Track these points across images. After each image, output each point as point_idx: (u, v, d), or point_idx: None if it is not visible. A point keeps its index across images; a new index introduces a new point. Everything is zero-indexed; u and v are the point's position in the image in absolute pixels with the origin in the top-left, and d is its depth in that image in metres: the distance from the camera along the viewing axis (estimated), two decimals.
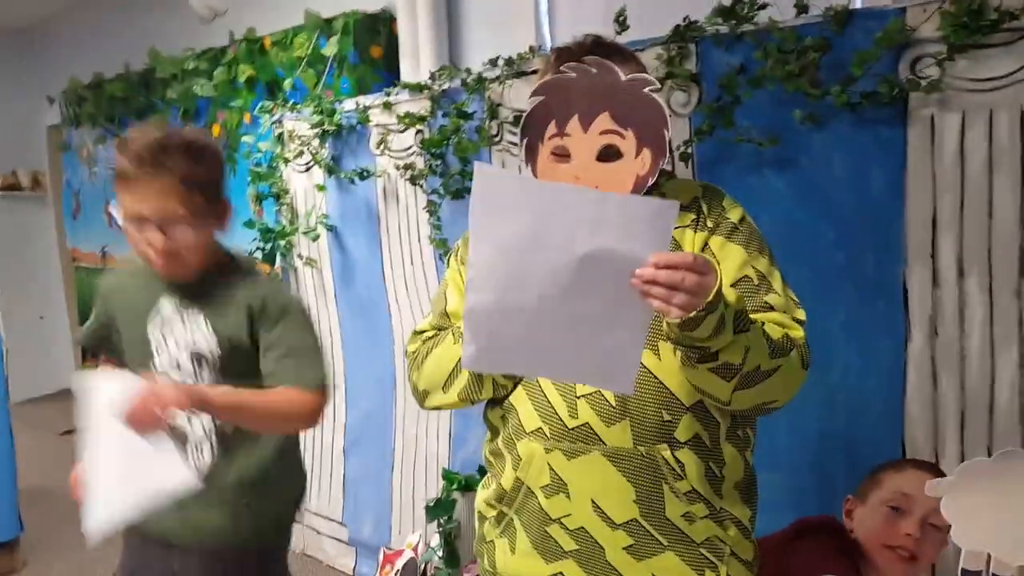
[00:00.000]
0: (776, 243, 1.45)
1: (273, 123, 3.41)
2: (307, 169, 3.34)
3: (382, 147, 2.98)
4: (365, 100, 3.07)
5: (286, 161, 3.37)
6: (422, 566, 2.85)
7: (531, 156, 1.35)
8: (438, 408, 1.48)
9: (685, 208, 1.37)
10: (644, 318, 1.17)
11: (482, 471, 2.74)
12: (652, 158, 1.31)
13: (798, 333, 1.30)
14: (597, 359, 1.20)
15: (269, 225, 3.43)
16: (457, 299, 1.47)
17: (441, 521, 2.79)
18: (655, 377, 1.32)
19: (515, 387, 1.42)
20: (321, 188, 3.25)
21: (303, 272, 3.44)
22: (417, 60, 3.38)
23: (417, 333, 1.52)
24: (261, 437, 1.69)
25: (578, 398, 1.35)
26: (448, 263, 1.54)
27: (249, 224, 3.45)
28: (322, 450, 3.54)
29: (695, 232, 1.37)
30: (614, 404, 1.33)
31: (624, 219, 1.11)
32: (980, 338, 1.88)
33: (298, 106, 3.33)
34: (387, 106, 2.95)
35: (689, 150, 2.21)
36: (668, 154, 1.31)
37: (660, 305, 1.13)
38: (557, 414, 1.36)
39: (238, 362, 1.64)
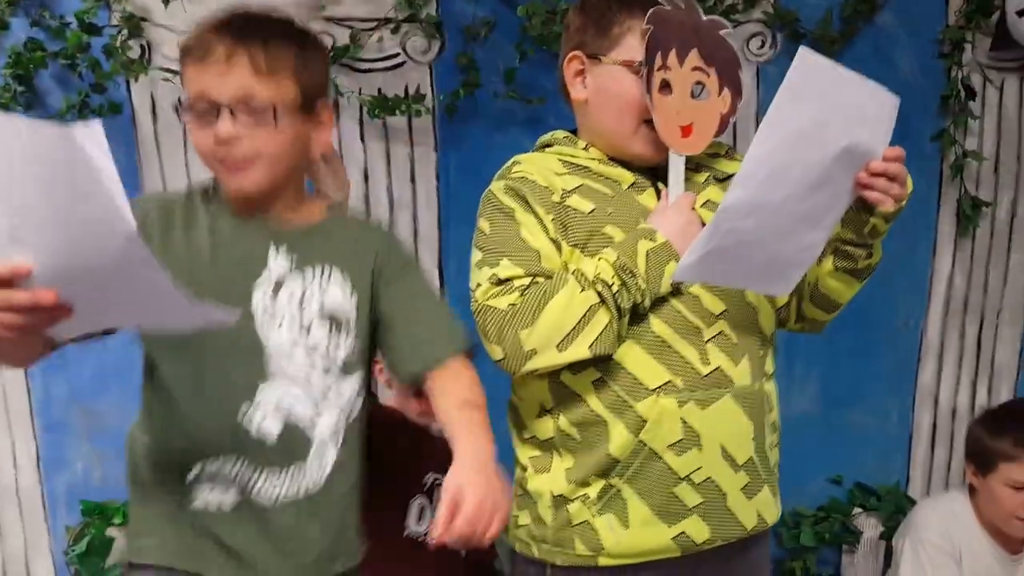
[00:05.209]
0: None
1: None
2: None
3: None
4: None
5: None
6: None
7: (648, 87, 1.27)
8: (534, 371, 1.23)
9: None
10: (837, 217, 1.23)
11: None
12: (731, 98, 1.33)
13: None
14: (783, 260, 1.22)
15: None
16: (544, 240, 1.26)
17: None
18: (755, 312, 1.35)
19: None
20: None
21: None
22: None
23: (503, 281, 1.23)
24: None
25: (706, 342, 1.29)
26: (500, 205, 1.29)
27: None
28: None
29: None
30: (736, 342, 1.31)
31: (874, 111, 1.16)
32: None
33: None
34: None
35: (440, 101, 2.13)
36: (742, 96, 1.34)
37: (879, 197, 1.18)
38: (689, 363, 1.27)
39: (366, 325, 1.25)
